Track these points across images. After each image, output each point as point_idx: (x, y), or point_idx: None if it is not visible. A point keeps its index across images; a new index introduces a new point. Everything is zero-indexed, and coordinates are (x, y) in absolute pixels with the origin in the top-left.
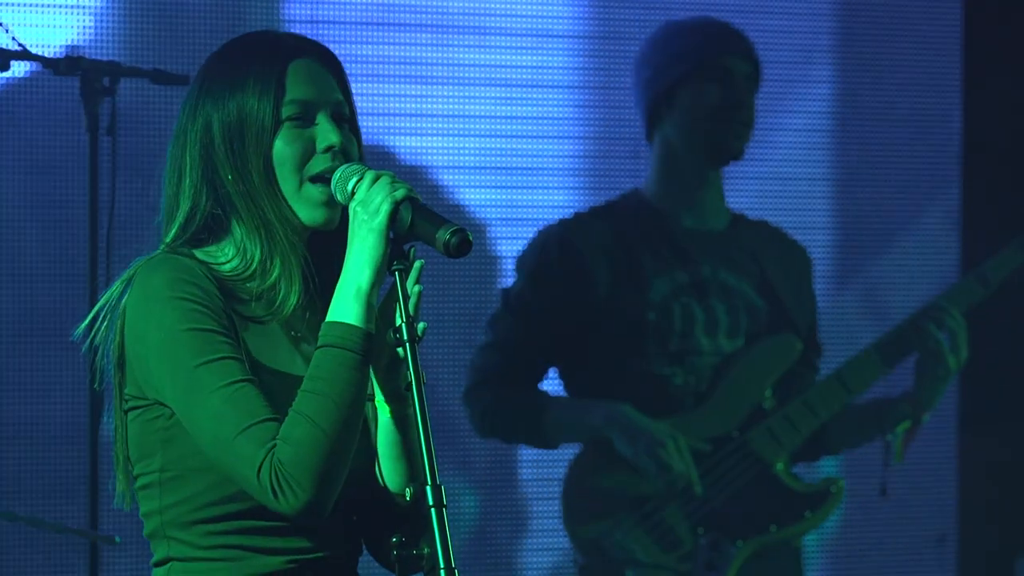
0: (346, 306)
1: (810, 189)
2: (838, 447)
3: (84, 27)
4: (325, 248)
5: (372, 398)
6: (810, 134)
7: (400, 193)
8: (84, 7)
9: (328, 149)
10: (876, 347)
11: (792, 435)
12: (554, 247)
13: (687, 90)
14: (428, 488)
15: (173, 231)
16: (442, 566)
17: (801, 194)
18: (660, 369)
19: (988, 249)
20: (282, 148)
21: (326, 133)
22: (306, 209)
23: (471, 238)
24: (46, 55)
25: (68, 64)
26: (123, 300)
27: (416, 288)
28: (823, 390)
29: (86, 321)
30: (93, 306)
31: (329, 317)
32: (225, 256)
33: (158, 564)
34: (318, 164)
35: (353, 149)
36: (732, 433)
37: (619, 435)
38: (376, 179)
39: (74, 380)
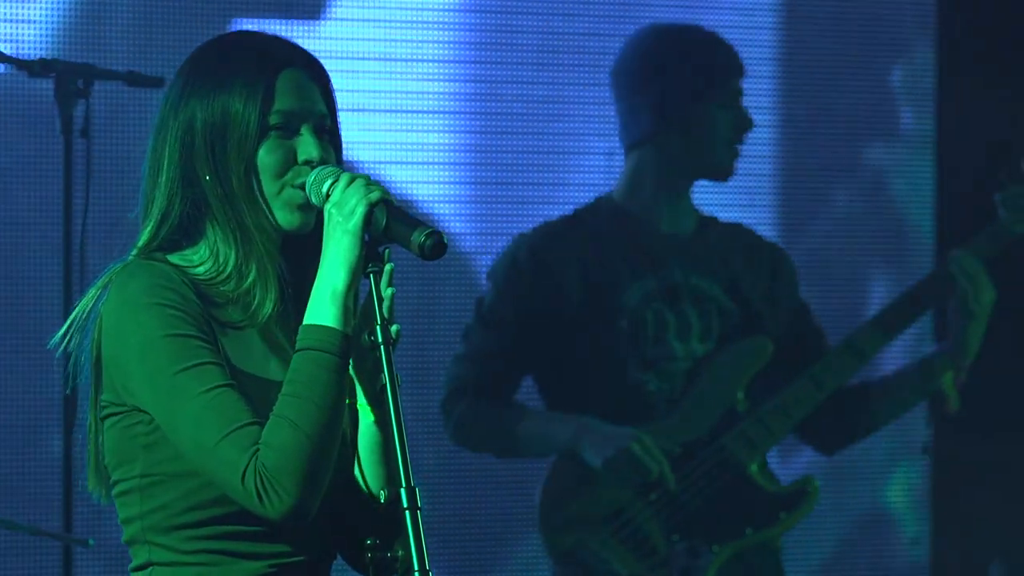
0: (323, 308)
1: (756, 185)
2: (884, 420)
3: (58, 29)
4: (298, 253)
5: (353, 401)
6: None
7: (375, 195)
8: (59, 9)
9: (308, 162)
10: (848, 342)
11: (766, 437)
12: (524, 257)
13: (696, 114)
14: (403, 490)
15: (147, 231)
16: (416, 569)
17: (744, 189)
18: (634, 376)
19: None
20: (264, 157)
21: (308, 146)
22: (283, 212)
23: (446, 240)
24: (20, 57)
25: (42, 66)
26: (98, 306)
27: (389, 290)
28: (796, 391)
29: (62, 329)
30: (67, 308)
31: (306, 320)
32: (200, 259)
33: (138, 569)
34: (298, 176)
35: (333, 162)
36: (705, 438)
37: (587, 445)
38: (351, 181)
39: (48, 383)
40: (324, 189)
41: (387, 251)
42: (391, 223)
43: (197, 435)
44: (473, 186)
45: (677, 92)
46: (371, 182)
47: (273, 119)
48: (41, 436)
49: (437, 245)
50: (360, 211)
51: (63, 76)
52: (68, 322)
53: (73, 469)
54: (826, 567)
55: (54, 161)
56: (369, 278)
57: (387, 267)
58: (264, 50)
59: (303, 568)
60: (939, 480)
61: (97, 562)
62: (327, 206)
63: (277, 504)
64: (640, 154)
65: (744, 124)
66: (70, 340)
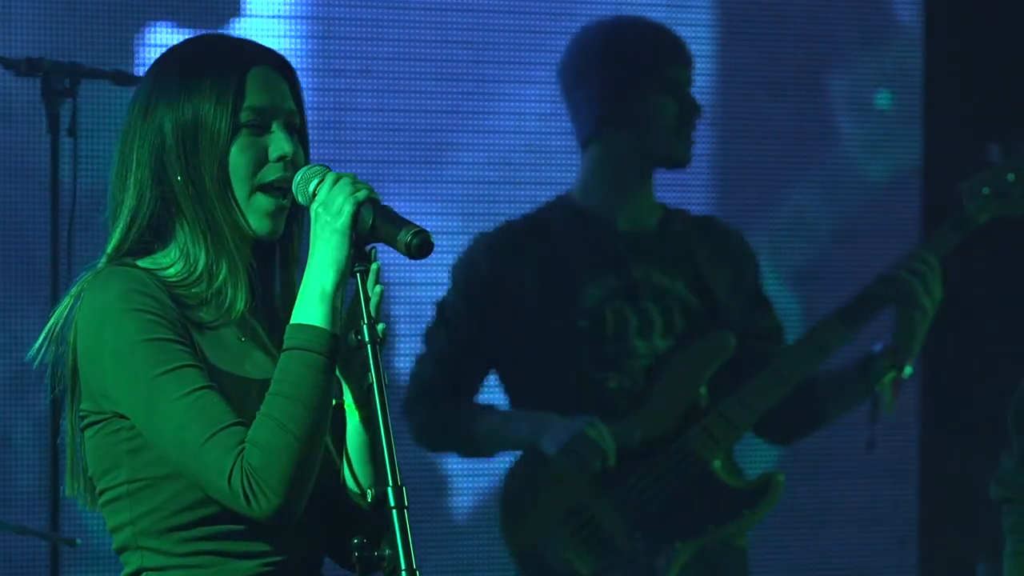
0: (311, 308)
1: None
2: (831, 416)
3: (44, 28)
4: (272, 254)
5: (340, 401)
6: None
7: (362, 194)
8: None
9: (280, 158)
10: (808, 336)
11: (729, 432)
12: (483, 257)
13: (641, 102)
14: (390, 489)
15: (118, 232)
16: (403, 567)
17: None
18: (594, 374)
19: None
20: (236, 155)
21: (279, 142)
22: (254, 218)
23: (432, 239)
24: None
25: (29, 65)
26: (72, 315)
27: (377, 288)
28: (758, 385)
29: (39, 340)
30: (54, 305)
31: (294, 319)
32: (169, 260)
33: None
34: (270, 173)
35: (301, 159)
36: (668, 435)
37: (542, 437)
38: (337, 180)
39: (35, 383)
40: (311, 188)
41: (373, 250)
42: (378, 222)
43: (181, 438)
44: (463, 185)
45: (616, 84)
46: (357, 181)
47: (244, 116)
48: (29, 435)
49: (424, 244)
50: (348, 210)
51: (50, 75)
52: (44, 333)
53: (60, 468)
54: (813, 567)
55: (41, 160)
56: (356, 277)
57: (373, 266)
58: (232, 49)
59: (295, 566)
60: (927, 479)
61: (84, 561)
62: (314, 206)
63: (264, 504)
64: (591, 151)
65: (690, 111)
66: (46, 351)
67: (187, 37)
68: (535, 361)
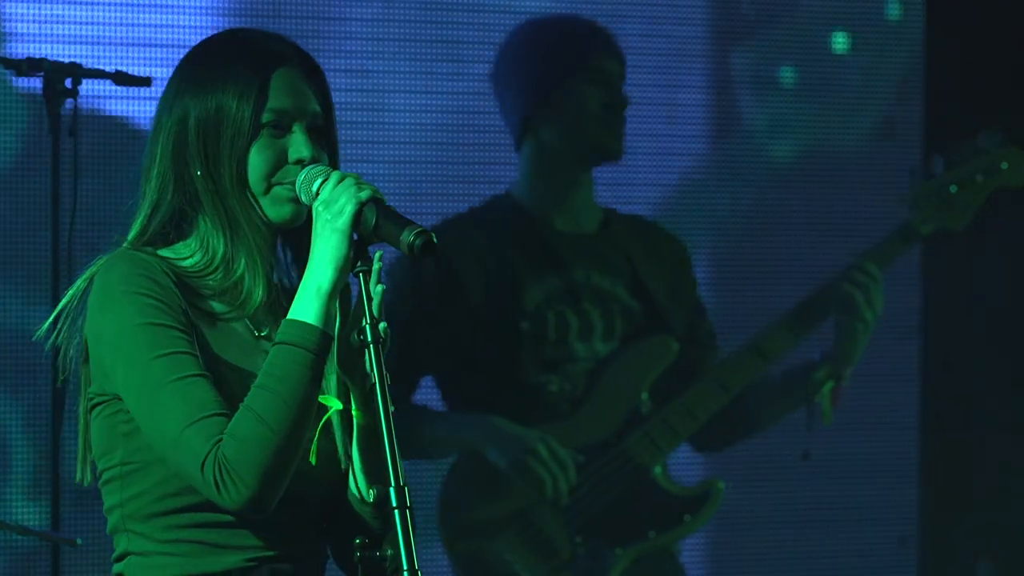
0: (306, 305)
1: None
2: (766, 423)
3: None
4: (298, 248)
5: (349, 404)
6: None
7: (365, 194)
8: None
9: (298, 161)
10: (751, 344)
11: (671, 438)
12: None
13: (566, 93)
14: (392, 489)
15: (138, 223)
16: (405, 568)
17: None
18: (535, 377)
19: None
20: (255, 155)
21: (299, 145)
22: (272, 208)
23: (435, 240)
24: (8, 55)
25: (30, 65)
26: (84, 298)
27: (379, 288)
28: (700, 391)
29: (48, 320)
30: (55, 306)
31: (289, 315)
32: (189, 251)
33: (118, 559)
34: (287, 175)
35: (324, 161)
36: (609, 439)
37: (491, 447)
38: (341, 180)
39: (36, 382)
40: (314, 188)
41: (379, 253)
42: (380, 222)
43: (163, 422)
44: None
45: (541, 78)
46: (361, 181)
47: (266, 117)
48: (30, 434)
49: (427, 244)
50: (349, 210)
51: (51, 75)
52: (55, 313)
53: (61, 468)
54: (813, 567)
55: (42, 160)
56: (358, 277)
57: (375, 266)
58: (259, 47)
59: (281, 562)
60: (926, 480)
61: (85, 561)
62: (316, 204)
63: (234, 494)
64: (525, 150)
65: (615, 100)
66: (58, 333)
67: (215, 34)
68: (475, 362)
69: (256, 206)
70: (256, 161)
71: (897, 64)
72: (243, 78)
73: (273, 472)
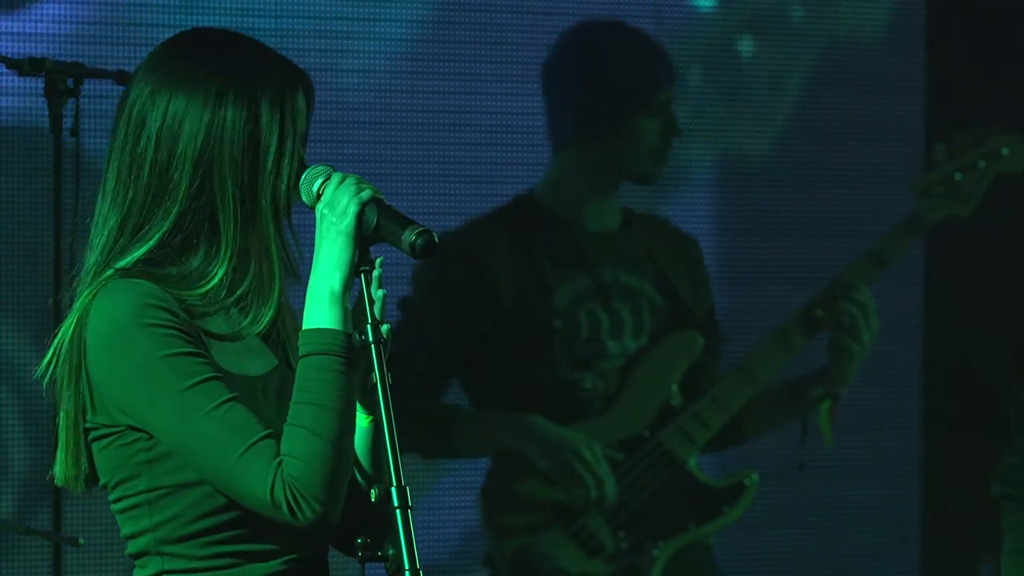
0: (322, 311)
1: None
2: (756, 432)
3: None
4: None
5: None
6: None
7: (366, 194)
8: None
9: None
10: (778, 334)
11: (703, 431)
12: (453, 256)
13: (627, 122)
14: (393, 489)
15: (155, 239)
16: (407, 567)
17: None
18: (569, 375)
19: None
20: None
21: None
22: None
23: (437, 239)
24: (9, 55)
25: (32, 65)
26: (80, 330)
27: (380, 292)
28: (730, 384)
29: (47, 357)
30: (57, 307)
31: (305, 324)
32: (181, 272)
33: None
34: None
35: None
36: (643, 434)
37: (535, 450)
38: (342, 181)
39: (38, 382)
40: (315, 188)
41: (380, 259)
42: (382, 222)
43: (214, 455)
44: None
45: (604, 102)
46: (362, 181)
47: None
48: (31, 434)
49: (428, 244)
50: (352, 211)
51: (52, 75)
52: (52, 350)
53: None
54: (815, 567)
55: (44, 160)
56: (360, 277)
57: (378, 260)
58: (284, 75)
59: (310, 564)
60: (929, 478)
61: (87, 561)
62: (319, 207)
63: (309, 513)
64: (565, 156)
65: (670, 133)
66: (55, 368)
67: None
68: (507, 362)
69: (276, 233)
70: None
71: (806, 61)
72: (273, 107)
73: (338, 482)
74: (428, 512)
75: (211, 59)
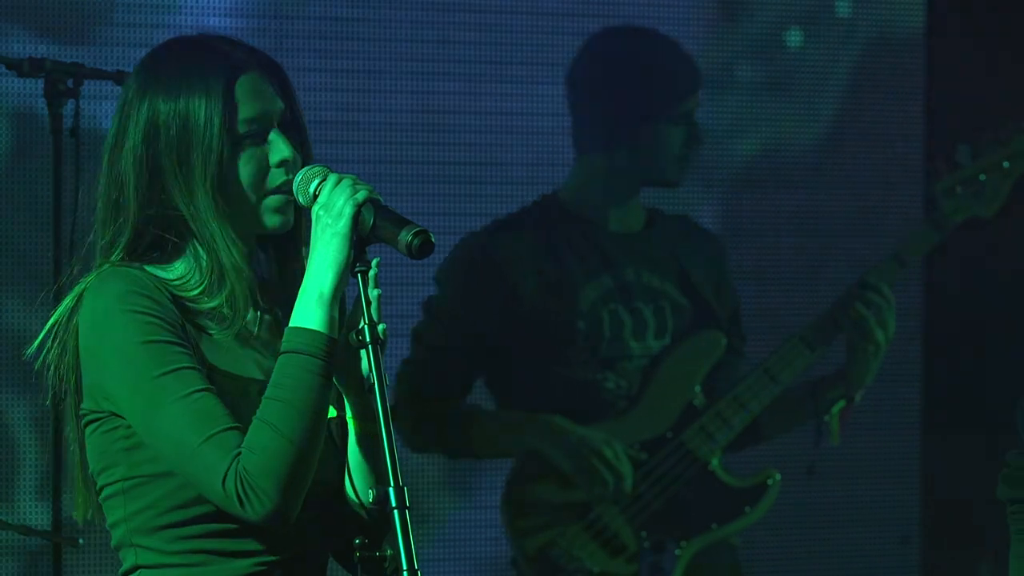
0: (309, 311)
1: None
2: (772, 433)
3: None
4: (279, 247)
5: (343, 412)
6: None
7: (362, 195)
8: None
9: (282, 163)
10: (801, 335)
11: (725, 431)
12: (479, 256)
13: (654, 129)
14: (391, 490)
15: (120, 247)
16: (405, 568)
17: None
18: (591, 375)
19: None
20: (243, 168)
21: (278, 147)
22: (269, 216)
23: (433, 239)
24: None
25: (31, 65)
26: (74, 317)
27: (375, 292)
28: (752, 384)
29: (38, 340)
30: (56, 305)
31: (292, 322)
32: (175, 273)
33: (126, 573)
34: (274, 179)
35: (299, 162)
36: (666, 434)
37: (555, 450)
38: (338, 181)
39: (38, 382)
40: (311, 190)
41: (376, 259)
42: (378, 222)
43: (178, 440)
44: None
45: (630, 109)
46: (358, 182)
47: (242, 128)
48: (31, 434)
49: (425, 244)
50: (348, 212)
51: (52, 75)
52: (44, 332)
53: (62, 468)
54: (815, 567)
55: (43, 160)
56: (356, 278)
57: (374, 261)
58: (215, 60)
59: (290, 566)
60: (929, 478)
61: (87, 561)
62: (315, 207)
63: (258, 507)
64: (590, 160)
65: (694, 140)
66: (47, 353)
67: (162, 46)
68: (530, 362)
69: (242, 219)
70: (244, 174)
71: (849, 60)
72: (206, 96)
73: (294, 482)
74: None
75: (146, 78)
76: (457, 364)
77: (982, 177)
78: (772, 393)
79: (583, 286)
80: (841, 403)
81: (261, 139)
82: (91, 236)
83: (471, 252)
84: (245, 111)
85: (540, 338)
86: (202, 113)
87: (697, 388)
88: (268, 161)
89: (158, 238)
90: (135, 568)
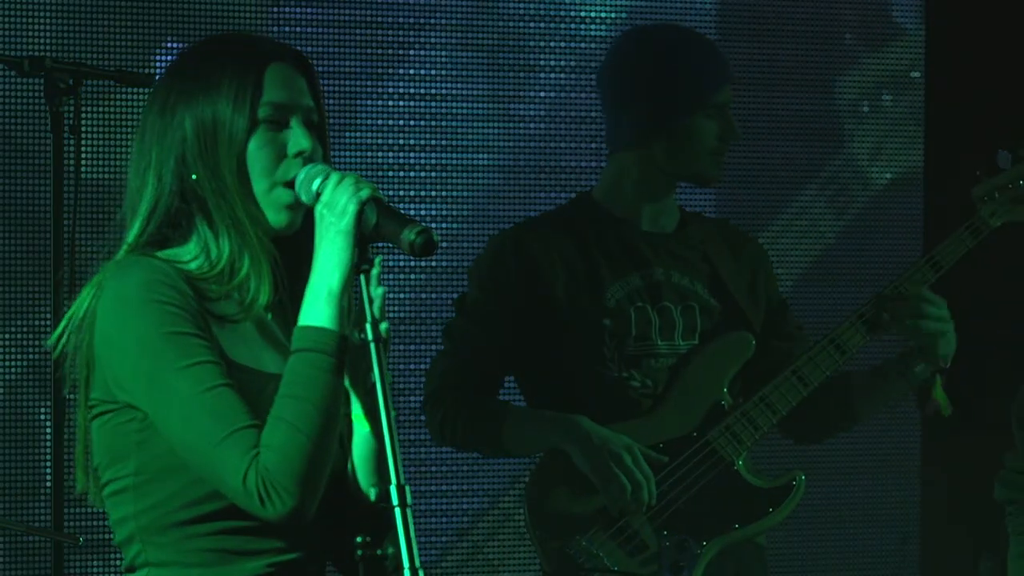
0: (318, 309)
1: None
2: (864, 414)
3: (48, 27)
4: (295, 252)
5: (348, 410)
6: None
7: (365, 193)
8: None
9: (299, 154)
10: (831, 338)
11: (751, 432)
12: (510, 253)
13: (685, 126)
14: (393, 488)
15: (136, 227)
16: (406, 566)
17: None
18: (617, 373)
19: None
20: (255, 151)
21: (298, 138)
22: (272, 212)
23: (436, 238)
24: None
25: (32, 64)
26: (94, 305)
27: (379, 290)
28: (780, 386)
29: (59, 328)
30: (57, 304)
31: (301, 321)
32: (190, 255)
33: (131, 570)
34: (290, 170)
35: (319, 156)
36: (692, 434)
37: (576, 451)
38: (341, 180)
39: (38, 380)
40: (314, 188)
41: (378, 257)
42: (381, 221)
43: (196, 436)
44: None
45: (663, 105)
46: (360, 180)
47: (263, 112)
48: (32, 433)
49: (428, 243)
50: (351, 210)
51: (52, 74)
52: (64, 322)
53: (63, 467)
54: (815, 565)
55: (44, 158)
56: (359, 276)
57: (375, 270)
58: (250, 46)
59: (300, 566)
60: (928, 477)
61: (87, 560)
62: (318, 207)
63: (279, 506)
64: (624, 158)
65: (729, 135)
66: (68, 340)
67: (206, 38)
68: (559, 359)
69: (257, 204)
70: (256, 157)
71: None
72: (238, 74)
73: (313, 478)
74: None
75: (180, 66)
76: (487, 360)
77: (1022, 182)
78: (800, 395)
79: (611, 284)
80: (939, 379)
81: (281, 126)
82: (118, 214)
83: (503, 248)
84: (270, 95)
85: (569, 335)
86: (231, 93)
87: (724, 390)
88: (286, 150)
89: (175, 215)
90: (144, 565)
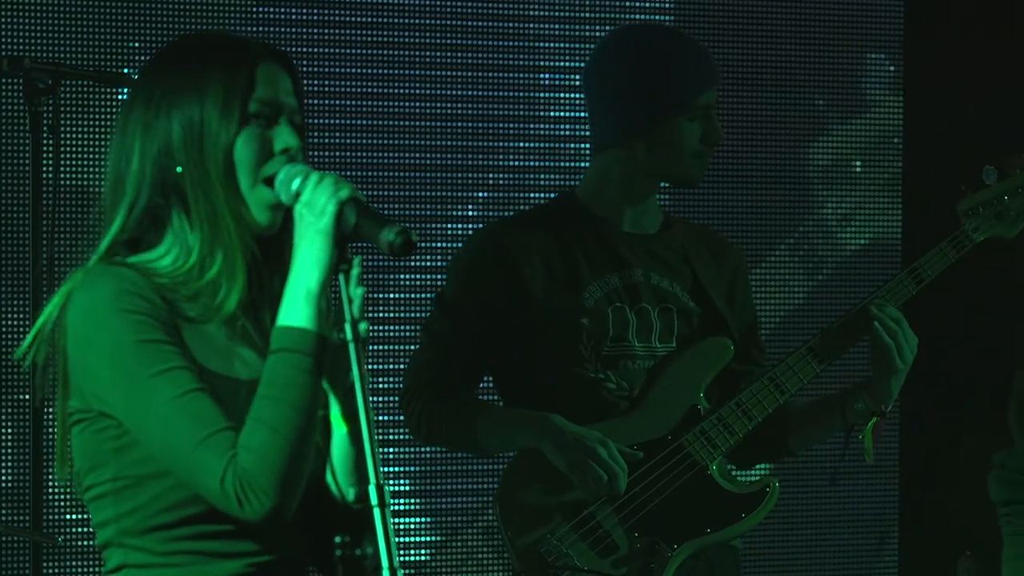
0: (297, 310)
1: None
2: (799, 447)
3: (26, 28)
4: (276, 251)
5: (327, 412)
6: None
7: (344, 193)
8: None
9: (285, 151)
10: (810, 346)
11: (726, 437)
12: (489, 250)
13: (668, 128)
14: (372, 488)
15: (116, 222)
16: (385, 566)
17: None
18: (594, 374)
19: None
20: (242, 146)
21: (285, 135)
22: (256, 208)
23: (415, 238)
24: None
25: (10, 64)
26: (64, 315)
27: (359, 291)
28: (756, 392)
29: (28, 339)
30: (36, 304)
31: (280, 321)
32: (160, 252)
33: (112, 572)
34: (274, 166)
35: (302, 156)
36: (666, 437)
37: (550, 447)
38: (321, 180)
39: (16, 381)
40: (293, 187)
41: (358, 257)
42: (361, 221)
43: (173, 440)
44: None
45: (646, 106)
46: (340, 180)
47: (253, 107)
48: (11, 433)
49: (407, 243)
50: (331, 210)
51: (31, 74)
52: (34, 332)
53: (42, 467)
54: (794, 565)
55: (22, 158)
56: (338, 275)
57: (355, 270)
58: (241, 43)
59: (279, 567)
60: (906, 477)
61: (66, 559)
62: (297, 206)
63: (257, 507)
64: (607, 157)
65: (713, 137)
66: (37, 350)
67: (188, 34)
68: (535, 357)
69: (243, 200)
70: (243, 153)
71: None
72: (229, 70)
73: (291, 479)
74: None
75: (163, 61)
76: (465, 356)
77: (1006, 199)
78: (776, 401)
79: (589, 283)
80: (873, 420)
81: (270, 123)
82: (95, 208)
83: (482, 245)
84: (262, 92)
85: (545, 334)
86: (222, 88)
87: (701, 394)
88: (272, 147)
89: (152, 211)
90: (122, 567)
